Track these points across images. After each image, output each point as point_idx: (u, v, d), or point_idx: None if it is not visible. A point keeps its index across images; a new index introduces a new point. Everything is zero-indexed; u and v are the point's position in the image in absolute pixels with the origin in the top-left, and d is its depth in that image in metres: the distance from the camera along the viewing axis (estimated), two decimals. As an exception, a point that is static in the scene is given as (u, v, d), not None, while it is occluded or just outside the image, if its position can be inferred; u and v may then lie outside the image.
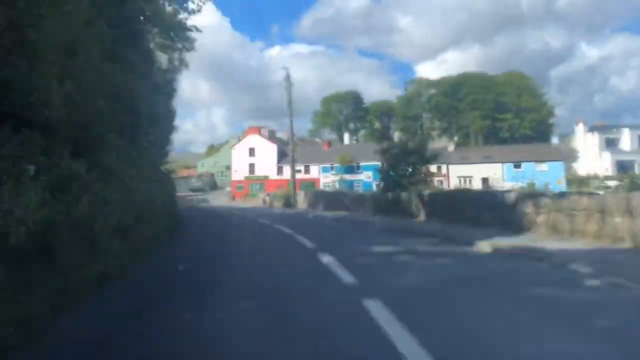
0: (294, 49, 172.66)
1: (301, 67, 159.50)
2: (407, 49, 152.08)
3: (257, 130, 79.77)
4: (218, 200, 69.44)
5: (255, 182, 77.57)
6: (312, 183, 75.80)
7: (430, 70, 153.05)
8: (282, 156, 78.61)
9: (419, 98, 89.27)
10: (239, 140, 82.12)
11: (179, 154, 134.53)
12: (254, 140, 78.81)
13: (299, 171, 77.45)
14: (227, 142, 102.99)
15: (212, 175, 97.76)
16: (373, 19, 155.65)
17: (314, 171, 76.72)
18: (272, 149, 78.27)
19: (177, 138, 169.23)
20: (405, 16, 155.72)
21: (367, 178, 74.87)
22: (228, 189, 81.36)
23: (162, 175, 24.15)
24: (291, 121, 32.75)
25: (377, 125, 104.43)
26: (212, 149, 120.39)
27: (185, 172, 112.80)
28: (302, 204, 32.24)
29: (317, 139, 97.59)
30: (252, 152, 78.64)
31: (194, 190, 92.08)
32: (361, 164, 75.45)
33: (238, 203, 59.63)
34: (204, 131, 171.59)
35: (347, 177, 74.60)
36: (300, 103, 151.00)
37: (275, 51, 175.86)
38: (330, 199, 27.90)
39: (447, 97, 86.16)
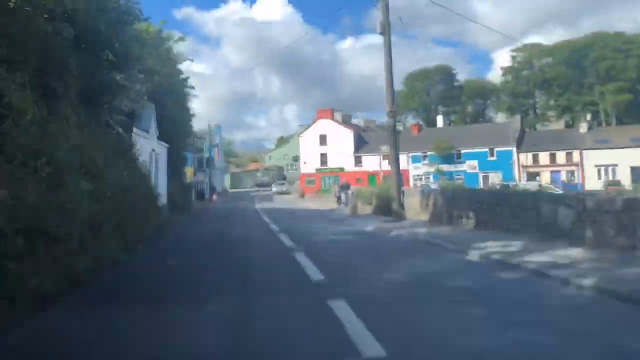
0: (367, 40, 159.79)
1: (374, 58, 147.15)
2: (484, 36, 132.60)
3: (329, 113, 64.68)
4: (285, 197, 55.25)
5: (328, 175, 62.62)
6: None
7: (509, 57, 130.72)
8: (360, 144, 63.13)
9: (530, 69, 69.63)
10: (308, 127, 67.39)
11: (251, 149, 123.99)
12: (326, 125, 63.82)
13: (383, 158, 61.38)
14: (296, 133, 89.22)
15: (280, 168, 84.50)
16: (448, 6, 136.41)
17: (401, 161, 60.49)
18: (347, 136, 62.95)
19: (249, 134, 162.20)
20: (482, 1, 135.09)
21: (471, 169, 57.59)
22: (282, 185, 66.30)
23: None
24: (389, 51, 16.98)
25: (470, 108, 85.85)
26: (282, 141, 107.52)
27: (252, 166, 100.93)
28: (414, 213, 16.65)
29: (399, 125, 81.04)
30: (323, 139, 63.76)
31: (260, 185, 79.32)
32: (462, 151, 58.37)
33: (307, 202, 44.94)
34: (276, 127, 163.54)
35: (445, 167, 57.85)
36: (372, 96, 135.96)
37: (347, 43, 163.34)
38: (493, 206, 11.31)
39: (567, 66, 66.31)
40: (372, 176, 58.04)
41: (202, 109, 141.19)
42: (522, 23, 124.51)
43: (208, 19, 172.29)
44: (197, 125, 56.90)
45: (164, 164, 22.87)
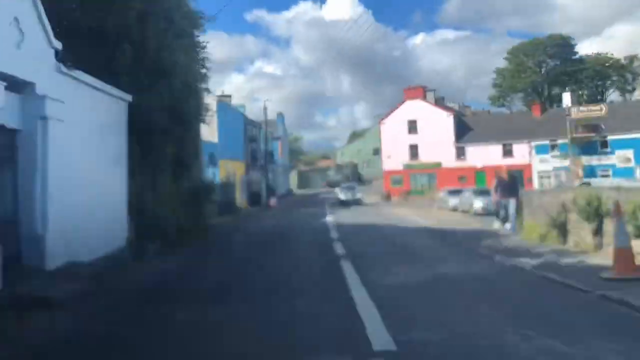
0: (439, 36, 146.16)
1: (447, 54, 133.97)
2: (564, 26, 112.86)
3: (421, 92, 49.51)
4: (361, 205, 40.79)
5: (421, 172, 47.51)
6: (519, 172, 43.46)
7: (593, 49, 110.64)
8: (462, 131, 47.43)
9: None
10: (392, 111, 52.28)
11: (321, 149, 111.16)
12: (416, 108, 48.66)
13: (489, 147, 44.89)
14: (371, 127, 73.97)
15: (355, 165, 70.53)
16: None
17: (520, 152, 44.24)
18: (445, 121, 47.38)
19: (319, 134, 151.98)
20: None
21: (622, 161, 40.27)
22: (353, 190, 41.11)
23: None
24: None
25: (587, 89, 67.04)
26: (355, 136, 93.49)
27: (322, 163, 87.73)
28: None
29: (500, 110, 64.21)
30: (412, 126, 48.65)
31: (331, 184, 65.64)
32: (609, 137, 41.20)
33: (400, 210, 30.45)
34: (345, 127, 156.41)
35: (585, 159, 41.04)
36: (446, 93, 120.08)
37: (419, 39, 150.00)
38: None
39: None
40: (480, 173, 42.52)
41: (271, 110, 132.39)
42: (606, 12, 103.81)
43: (278, 20, 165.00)
44: (254, 113, 44.20)
45: (96, 139, 9.13)
